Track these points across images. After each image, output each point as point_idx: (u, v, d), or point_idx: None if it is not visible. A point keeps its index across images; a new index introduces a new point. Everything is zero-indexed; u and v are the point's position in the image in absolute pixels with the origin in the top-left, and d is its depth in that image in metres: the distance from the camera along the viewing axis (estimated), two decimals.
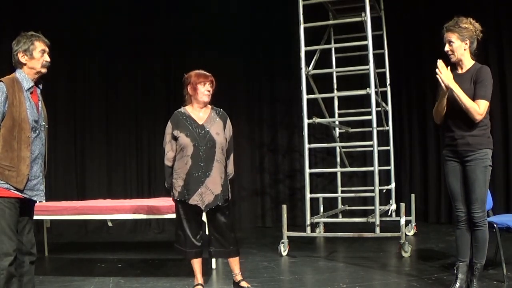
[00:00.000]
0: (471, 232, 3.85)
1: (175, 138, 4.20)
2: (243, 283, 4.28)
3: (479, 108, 3.71)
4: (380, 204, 6.23)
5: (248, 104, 8.98)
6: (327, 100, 7.42)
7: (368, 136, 6.86)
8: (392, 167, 7.58)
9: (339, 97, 7.87)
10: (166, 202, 5.31)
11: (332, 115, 7.61)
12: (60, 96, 8.26)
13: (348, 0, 6.77)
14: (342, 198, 7.83)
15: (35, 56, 3.42)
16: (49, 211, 5.42)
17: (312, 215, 6.17)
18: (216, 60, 7.75)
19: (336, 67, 7.68)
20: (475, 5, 7.40)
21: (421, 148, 8.44)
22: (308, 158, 6.23)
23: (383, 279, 4.71)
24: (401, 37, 8.41)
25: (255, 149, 8.97)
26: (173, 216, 4.47)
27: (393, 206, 7.29)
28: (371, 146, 5.94)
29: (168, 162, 4.26)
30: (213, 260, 5.23)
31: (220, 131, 4.24)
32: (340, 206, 7.77)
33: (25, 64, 3.42)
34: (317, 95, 6.61)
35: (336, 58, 7.79)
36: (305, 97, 6.19)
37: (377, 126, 6.01)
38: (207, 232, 4.39)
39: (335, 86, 7.76)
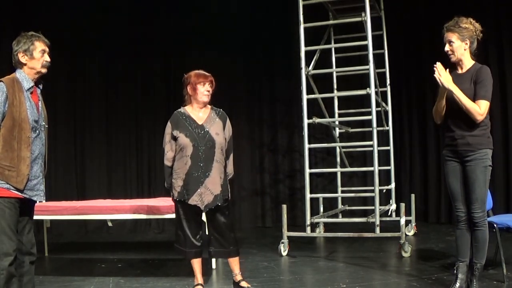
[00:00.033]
0: (471, 232, 3.85)
1: (174, 138, 4.21)
2: (243, 283, 4.28)
3: (480, 109, 3.71)
4: (380, 204, 6.23)
5: (248, 104, 8.98)
6: (327, 100, 7.42)
7: (368, 136, 6.86)
8: (392, 167, 7.58)
9: (339, 97, 7.87)
10: (166, 202, 5.31)
11: (332, 115, 7.61)
12: (60, 96, 8.26)
13: (348, 0, 6.77)
14: (342, 198, 7.83)
15: (35, 56, 3.42)
16: (49, 211, 5.42)
17: (312, 215, 6.17)
18: (216, 60, 7.75)
19: (336, 67, 7.68)
20: (475, 5, 7.40)
21: (421, 148, 8.44)
22: (308, 158, 6.23)
23: (383, 279, 4.71)
24: (401, 37, 8.41)
25: (255, 149, 8.97)
26: (173, 216, 4.47)
27: (393, 206, 7.30)
28: (371, 146, 5.94)
29: (167, 162, 4.26)
30: (213, 260, 5.23)
31: (219, 131, 4.24)
32: (340, 206, 7.77)
33: (25, 64, 3.42)
34: (317, 95, 6.61)
35: (336, 58, 7.79)
36: (305, 97, 6.19)
37: (377, 126, 6.01)
38: (207, 232, 4.39)
39: (335, 86, 7.76)
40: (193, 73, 4.29)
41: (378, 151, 6.03)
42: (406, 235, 5.99)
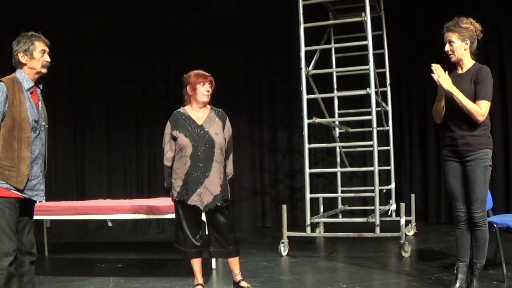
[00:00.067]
0: (471, 232, 3.85)
1: (174, 138, 4.21)
2: (243, 283, 4.28)
3: (480, 109, 3.71)
4: (380, 204, 6.23)
5: (248, 104, 8.98)
6: (327, 100, 7.42)
7: (368, 136, 6.86)
8: (392, 167, 7.58)
9: (339, 97, 7.87)
10: (166, 202, 5.31)
11: (332, 115, 7.61)
12: (60, 96, 8.26)
13: (348, 0, 6.77)
14: (342, 198, 7.83)
15: (35, 56, 3.42)
16: (49, 211, 5.42)
17: (312, 215, 6.17)
18: (216, 60, 7.74)
19: (336, 67, 7.68)
20: (475, 5, 7.40)
21: (421, 148, 8.44)
22: (308, 158, 6.23)
23: (383, 279, 4.71)
24: (401, 37, 8.41)
25: (255, 149, 8.97)
26: (173, 216, 4.47)
27: (393, 206, 7.30)
28: (371, 146, 5.94)
29: (167, 162, 4.26)
30: (213, 260, 5.23)
31: (219, 131, 4.24)
32: (340, 206, 7.78)
33: (25, 64, 3.42)
34: (317, 95, 6.61)
35: (336, 58, 7.79)
36: (305, 97, 6.19)
37: (377, 126, 6.01)
38: (207, 232, 4.39)
39: (335, 86, 7.76)
40: (192, 73, 4.29)
41: (378, 151, 6.03)
42: (406, 235, 5.99)
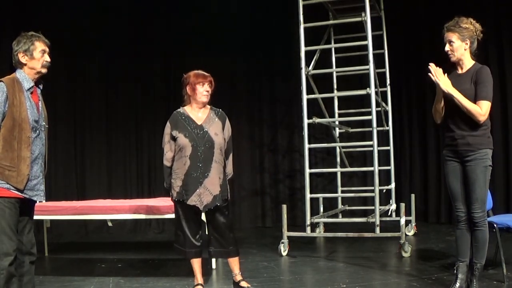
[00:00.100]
0: (471, 232, 3.84)
1: (173, 139, 4.21)
2: (243, 283, 4.28)
3: (481, 110, 3.71)
4: (380, 204, 6.23)
5: (248, 104, 8.98)
6: (327, 100, 7.42)
7: (368, 136, 6.86)
8: (392, 167, 7.58)
9: (339, 97, 7.87)
10: (166, 202, 5.31)
11: (332, 115, 7.61)
12: (60, 96, 8.25)
13: (348, 0, 6.77)
14: (342, 198, 7.83)
15: (35, 56, 3.42)
16: (49, 211, 5.42)
17: (312, 215, 6.17)
18: (216, 60, 7.75)
19: (336, 67, 7.68)
20: (475, 5, 7.40)
21: (421, 148, 8.45)
22: (308, 158, 6.23)
23: (383, 279, 4.71)
24: (401, 37, 8.41)
25: (255, 149, 8.97)
26: (173, 216, 4.47)
27: (393, 206, 7.30)
28: (371, 146, 5.94)
29: (167, 163, 4.26)
30: (213, 260, 5.23)
31: (218, 131, 4.24)
32: (340, 206, 7.78)
33: (25, 64, 3.42)
34: (317, 95, 6.61)
35: (336, 58, 7.79)
36: (305, 97, 6.19)
37: (377, 126, 6.02)
38: (207, 232, 4.39)
39: (335, 86, 7.76)
40: (192, 73, 4.29)
41: (378, 151, 6.03)
42: (406, 235, 5.99)
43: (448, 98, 3.80)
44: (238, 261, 4.34)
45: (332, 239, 6.85)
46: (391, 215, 7.16)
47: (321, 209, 7.18)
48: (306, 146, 6.22)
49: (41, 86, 3.55)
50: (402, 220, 5.64)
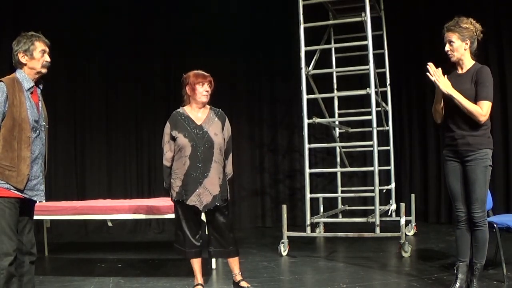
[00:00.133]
0: (471, 232, 3.84)
1: (173, 139, 4.21)
2: (243, 283, 4.28)
3: (482, 110, 3.71)
4: (380, 204, 6.23)
5: (248, 104, 8.98)
6: (327, 100, 7.42)
7: (368, 136, 6.86)
8: (392, 167, 7.58)
9: (339, 97, 7.87)
10: (166, 202, 5.30)
11: (332, 115, 7.61)
12: (60, 96, 8.25)
13: (348, 0, 6.77)
14: (342, 198, 7.83)
15: (35, 56, 3.42)
16: (49, 211, 5.42)
17: (312, 215, 6.17)
18: (216, 60, 7.74)
19: (336, 67, 7.69)
20: (475, 5, 7.40)
21: (421, 148, 8.45)
22: (308, 158, 6.23)
23: (383, 279, 4.71)
24: (401, 37, 8.41)
25: (255, 149, 8.97)
26: (173, 216, 4.47)
27: (393, 206, 7.30)
28: (371, 146, 5.94)
29: (166, 163, 4.26)
30: (213, 260, 5.23)
31: (218, 131, 4.24)
32: (340, 206, 7.78)
33: (25, 64, 3.42)
34: (317, 95, 6.61)
35: (336, 58, 7.79)
36: (305, 97, 6.19)
37: (377, 126, 6.02)
38: (207, 232, 4.39)
39: (335, 86, 7.76)
40: (192, 73, 4.29)
41: (378, 151, 6.03)
42: (406, 235, 5.99)
43: (448, 99, 3.81)
44: (238, 261, 4.34)
45: (332, 239, 6.85)
46: (391, 215, 7.16)
47: (321, 209, 7.18)
48: (306, 146, 6.22)
49: (41, 86, 3.55)
50: (402, 220, 5.64)
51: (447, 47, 3.86)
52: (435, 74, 3.78)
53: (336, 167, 7.80)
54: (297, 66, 6.43)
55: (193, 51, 8.27)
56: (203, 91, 4.22)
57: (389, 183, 7.60)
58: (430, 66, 3.80)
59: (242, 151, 8.66)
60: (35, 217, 3.74)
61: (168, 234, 7.78)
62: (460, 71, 3.90)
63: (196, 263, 4.30)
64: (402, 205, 5.74)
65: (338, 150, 7.71)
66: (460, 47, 3.82)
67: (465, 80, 3.82)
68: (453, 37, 3.82)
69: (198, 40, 8.46)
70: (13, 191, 3.29)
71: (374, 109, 5.91)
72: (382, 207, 6.83)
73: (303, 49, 6.23)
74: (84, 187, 8.37)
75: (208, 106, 4.35)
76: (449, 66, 3.93)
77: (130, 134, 8.64)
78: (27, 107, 3.34)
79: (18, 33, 3.51)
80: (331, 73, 7.69)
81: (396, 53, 7.98)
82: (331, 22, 7.14)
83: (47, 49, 3.48)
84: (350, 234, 6.07)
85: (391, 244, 6.10)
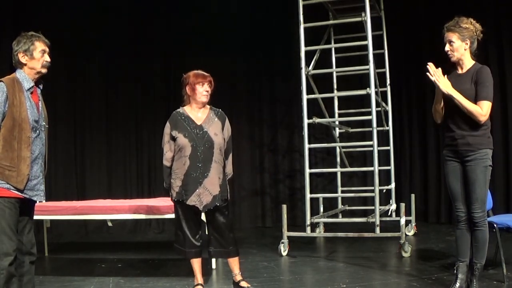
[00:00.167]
0: (471, 232, 3.84)
1: (173, 139, 4.21)
2: (243, 283, 4.28)
3: (482, 110, 3.71)
4: (380, 204, 6.23)
5: (248, 104, 8.98)
6: (327, 100, 7.42)
7: (368, 136, 6.86)
8: (392, 167, 7.58)
9: (339, 97, 7.87)
10: (166, 202, 5.30)
11: (332, 115, 7.61)
12: (60, 96, 8.25)
13: (348, 0, 6.77)
14: (342, 198, 7.83)
15: (35, 56, 3.42)
16: (49, 211, 5.42)
17: (312, 215, 6.17)
18: (216, 60, 7.75)
19: (336, 67, 7.69)
20: (475, 5, 7.40)
21: (421, 148, 8.45)
22: (308, 158, 6.23)
23: (383, 279, 4.71)
24: (401, 37, 8.41)
25: (255, 149, 8.97)
26: (173, 216, 4.47)
27: (393, 206, 7.30)
28: (371, 146, 5.94)
29: (166, 163, 4.26)
30: (213, 260, 5.23)
31: (218, 131, 4.24)
32: (340, 206, 7.78)
33: (25, 64, 3.42)
34: (317, 95, 6.61)
35: (336, 58, 7.79)
36: (305, 97, 6.19)
37: (377, 126, 6.02)
38: (207, 232, 4.39)
39: (335, 86, 7.76)
40: (192, 73, 4.29)
41: (378, 151, 6.03)
42: (406, 235, 5.99)
43: (448, 99, 3.81)
44: (238, 261, 4.34)
45: (332, 239, 6.85)
46: (391, 215, 7.16)
47: (321, 209, 7.18)
48: (306, 146, 6.22)
49: (41, 86, 3.55)
50: (402, 220, 5.64)
51: (447, 47, 3.86)
52: (435, 74, 3.79)
53: (336, 167, 7.80)
54: (297, 66, 6.43)
55: (193, 51, 8.27)
56: (203, 91, 4.22)
57: (389, 183, 7.60)
58: (430, 66, 3.81)
59: (242, 151, 8.66)
60: (35, 217, 3.74)
61: (168, 234, 7.78)
62: (460, 71, 3.90)
63: (196, 263, 4.30)
64: (402, 205, 5.74)
65: (338, 150, 7.71)
66: (460, 47, 3.82)
67: (465, 80, 3.82)
68: (453, 37, 3.82)
69: (198, 40, 8.46)
70: (13, 191, 3.29)
71: (374, 109, 5.91)
72: (382, 207, 6.83)
73: (303, 49, 6.23)
74: (84, 187, 8.37)
75: (208, 106, 4.35)
76: (449, 66, 3.93)
77: (130, 134, 8.64)
78: (27, 107, 3.34)
79: (18, 33, 3.51)
80: (331, 73, 7.69)
81: (396, 53, 7.98)
82: (331, 22, 7.14)
83: (47, 49, 3.48)
84: (350, 234, 6.07)
85: (391, 244, 6.10)
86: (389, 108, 7.67)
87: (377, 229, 5.73)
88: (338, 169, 7.62)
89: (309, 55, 6.45)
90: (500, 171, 7.32)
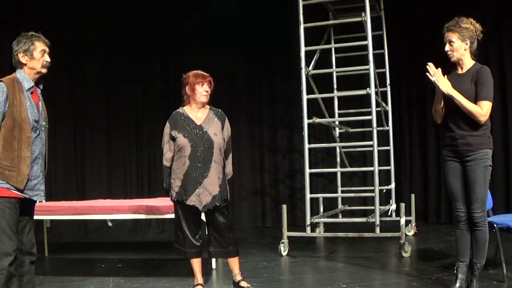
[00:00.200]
0: (471, 232, 3.85)
1: (173, 139, 4.21)
2: (243, 283, 4.28)
3: (482, 110, 3.71)
4: (380, 204, 6.23)
5: (248, 104, 8.98)
6: (327, 100, 7.42)
7: (368, 136, 6.86)
8: (392, 167, 7.58)
9: (339, 97, 7.87)
10: (166, 202, 5.30)
11: (332, 115, 7.61)
12: (60, 96, 8.25)
13: (348, 0, 6.77)
14: (342, 198, 7.83)
15: (35, 57, 3.42)
16: (49, 211, 5.42)
17: (312, 215, 6.17)
18: (216, 60, 7.75)
19: (336, 67, 7.68)
20: (475, 5, 7.40)
21: (421, 148, 8.45)
22: (308, 158, 6.23)
23: (383, 279, 4.71)
24: (401, 37, 8.41)
25: (255, 149, 8.97)
26: (173, 216, 4.47)
27: (393, 206, 7.30)
28: (371, 146, 5.94)
29: (166, 163, 4.26)
30: (213, 260, 5.23)
31: (218, 131, 4.24)
32: (340, 206, 7.78)
33: (25, 64, 3.42)
34: (317, 95, 6.61)
35: (336, 58, 7.79)
36: (305, 97, 6.19)
37: (377, 126, 6.01)
38: (207, 232, 4.39)
39: (335, 86, 7.76)
40: (191, 73, 4.29)
41: (378, 151, 6.03)
42: (406, 235, 5.99)
43: (448, 99, 3.81)
44: (238, 261, 4.34)
45: (332, 239, 6.85)
46: (391, 215, 7.16)
47: (321, 209, 7.18)
48: (306, 146, 6.22)
49: (41, 86, 3.55)
50: (402, 220, 5.64)
51: (447, 47, 3.86)
52: (435, 74, 3.79)
53: (336, 167, 7.80)
54: (297, 66, 6.43)
55: (193, 51, 8.27)
56: (202, 91, 4.22)
57: (389, 183, 7.60)
58: (430, 66, 3.81)
59: (242, 151, 8.66)
60: (35, 217, 3.74)
61: (168, 234, 7.78)
62: (460, 71, 3.90)
63: (196, 263, 4.30)
64: (402, 205, 5.74)
65: (338, 150, 7.71)
66: (460, 47, 3.82)
67: (465, 80, 3.82)
68: (453, 37, 3.82)
69: (198, 40, 8.46)
70: (13, 191, 3.29)
71: (374, 109, 5.91)
72: (382, 207, 6.83)
73: (303, 49, 6.23)
74: (84, 187, 8.37)
75: (207, 106, 4.35)
76: (449, 66, 3.93)
77: (130, 134, 8.64)
78: (27, 107, 3.34)
79: (18, 33, 3.51)
80: (331, 73, 7.69)
81: (396, 53, 7.98)
82: (331, 22, 7.14)
83: (47, 49, 3.48)
84: (350, 234, 6.07)
85: (391, 244, 6.10)
86: (389, 108, 7.67)
87: (377, 229, 5.73)
88: (338, 169, 7.62)
89: (309, 55, 6.45)
90: (500, 171, 7.32)
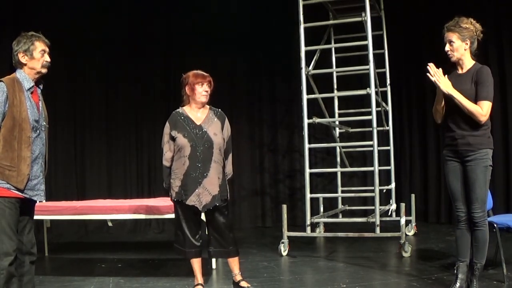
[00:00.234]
0: (471, 232, 3.85)
1: (173, 139, 4.21)
2: (243, 283, 4.28)
3: (482, 110, 3.71)
4: (380, 204, 6.23)
5: (248, 104, 8.98)
6: (327, 100, 7.42)
7: (368, 136, 6.86)
8: (392, 167, 7.58)
9: (339, 97, 7.88)
10: (166, 202, 5.30)
11: (332, 115, 7.61)
12: (60, 96, 8.24)
13: (348, 0, 6.77)
14: (342, 198, 7.83)
15: (35, 57, 3.42)
16: (49, 211, 5.42)
17: (312, 215, 6.17)
18: (216, 60, 7.75)
19: (336, 67, 7.69)
20: (475, 5, 7.40)
21: (421, 148, 8.45)
22: (308, 158, 6.23)
23: (383, 279, 4.71)
24: (401, 37, 8.41)
25: (255, 149, 8.97)
26: (173, 216, 4.47)
27: (393, 206, 7.30)
28: (371, 146, 5.94)
29: (166, 163, 4.26)
30: (213, 260, 5.23)
31: (217, 131, 4.24)
32: (340, 206, 7.78)
33: (25, 64, 3.42)
34: (317, 95, 6.61)
35: (336, 58, 7.79)
36: (305, 97, 6.19)
37: (377, 126, 6.01)
38: (207, 232, 4.39)
39: (335, 86, 7.77)
40: (191, 73, 4.29)
41: (378, 151, 6.03)
42: (406, 235, 5.99)
43: (448, 99, 3.81)
44: (238, 261, 4.34)
45: (332, 239, 6.85)
46: (391, 215, 7.16)
47: (321, 209, 7.18)
48: (306, 146, 6.22)
49: (41, 86, 3.55)
50: (402, 220, 5.64)
51: (447, 47, 3.86)
52: (436, 74, 3.79)
53: (336, 167, 7.80)
54: (297, 66, 6.43)
55: (193, 51, 8.27)
56: (202, 91, 4.22)
57: (389, 183, 7.60)
58: (431, 66, 3.81)
59: (242, 151, 8.66)
60: (35, 217, 3.74)
61: (168, 234, 7.78)
62: (460, 71, 3.90)
63: (196, 263, 4.30)
64: (402, 205, 5.74)
65: (338, 150, 7.71)
66: (460, 47, 3.82)
67: (465, 80, 3.82)
68: (453, 37, 3.82)
69: (198, 40, 8.46)
70: (13, 191, 3.30)
71: (374, 109, 5.91)
72: (382, 207, 6.82)
73: (303, 49, 6.23)
74: (84, 187, 8.36)
75: (207, 106, 4.35)
76: (449, 66, 3.93)
77: (130, 134, 8.63)
78: (27, 107, 3.35)
79: (18, 33, 3.52)
80: (331, 73, 7.69)
81: (396, 53, 7.98)
82: (331, 22, 7.14)
83: (47, 49, 3.49)
84: (350, 234, 6.07)
85: (391, 244, 6.10)
86: (389, 108, 7.67)
87: (377, 229, 5.73)
88: (338, 169, 7.62)
89: (309, 55, 6.45)
90: (500, 171, 7.31)
